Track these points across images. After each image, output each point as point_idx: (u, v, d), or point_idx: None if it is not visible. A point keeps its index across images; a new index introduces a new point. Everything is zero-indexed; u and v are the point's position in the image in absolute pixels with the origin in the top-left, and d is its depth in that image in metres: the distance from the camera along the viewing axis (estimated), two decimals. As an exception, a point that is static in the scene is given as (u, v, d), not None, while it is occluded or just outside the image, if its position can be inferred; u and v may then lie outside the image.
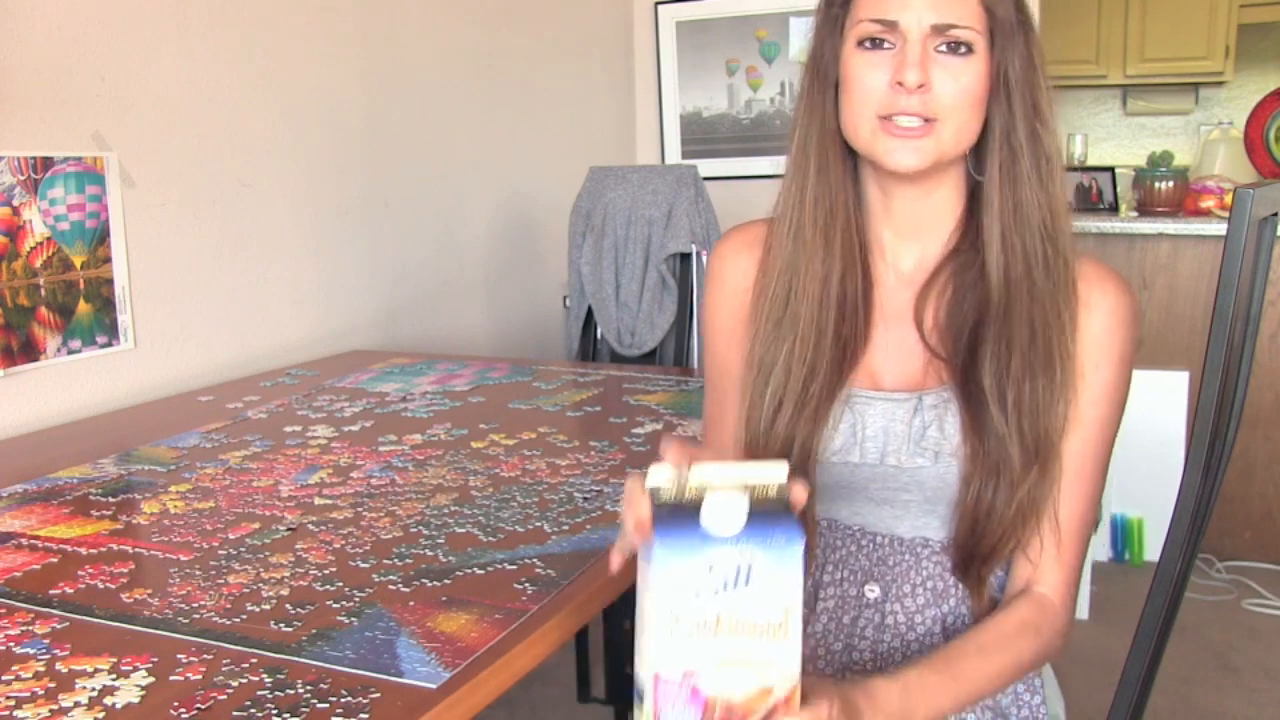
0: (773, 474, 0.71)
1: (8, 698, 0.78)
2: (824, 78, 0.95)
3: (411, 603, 0.93)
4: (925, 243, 0.98)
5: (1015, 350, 0.91)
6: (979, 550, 0.93)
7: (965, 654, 0.89)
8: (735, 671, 0.69)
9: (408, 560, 1.03)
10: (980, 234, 0.94)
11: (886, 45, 0.89)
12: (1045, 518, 0.93)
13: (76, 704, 0.77)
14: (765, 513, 0.69)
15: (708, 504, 0.68)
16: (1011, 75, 0.90)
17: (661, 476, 0.71)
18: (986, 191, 0.93)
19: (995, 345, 0.91)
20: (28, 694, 0.79)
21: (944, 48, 0.88)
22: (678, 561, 0.67)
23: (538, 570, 1.00)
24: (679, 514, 0.69)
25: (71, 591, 0.98)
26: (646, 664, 0.69)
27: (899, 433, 0.95)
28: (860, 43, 0.90)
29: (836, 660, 0.99)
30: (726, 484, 0.70)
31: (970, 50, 0.88)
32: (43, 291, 1.64)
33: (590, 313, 2.56)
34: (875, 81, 0.89)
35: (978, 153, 0.93)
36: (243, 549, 1.07)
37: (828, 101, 0.95)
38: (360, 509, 1.18)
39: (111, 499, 1.25)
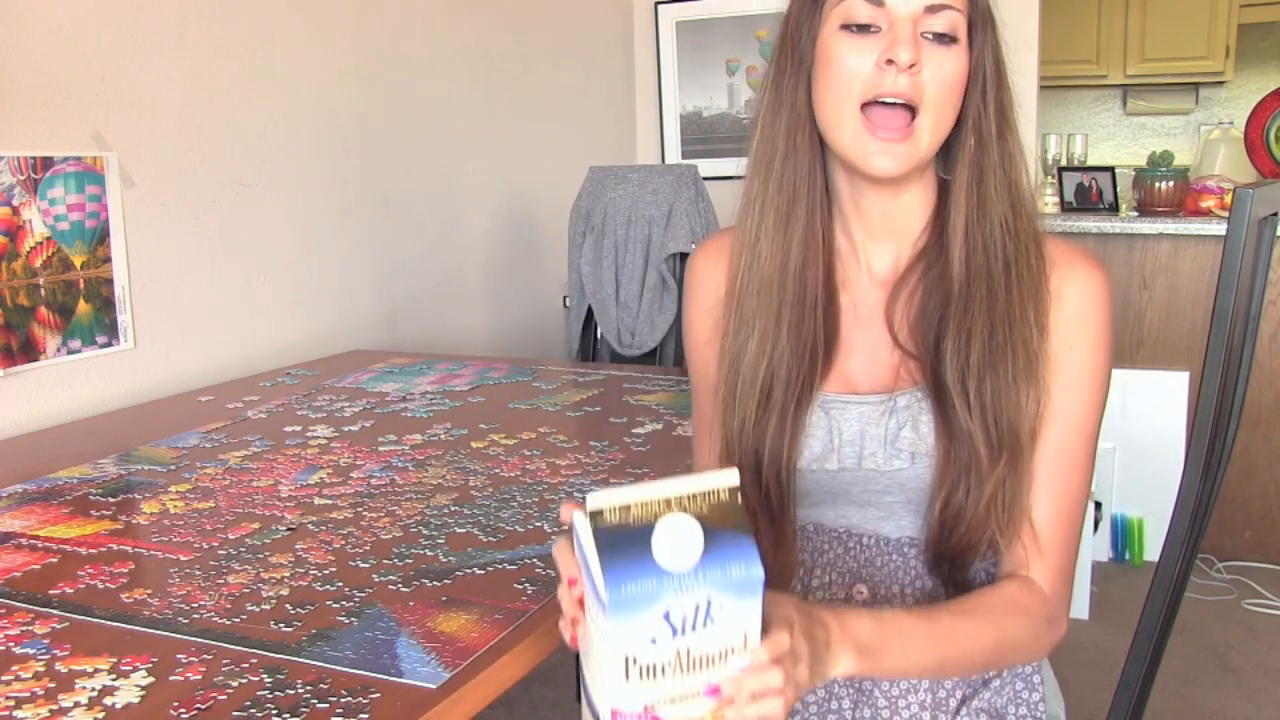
0: (723, 480, 0.65)
1: (8, 698, 0.78)
2: (798, 62, 0.92)
3: (411, 603, 0.93)
4: (898, 243, 0.98)
5: (975, 342, 0.90)
6: (949, 549, 0.93)
7: (947, 610, 0.88)
8: (696, 700, 0.65)
9: (408, 560, 1.03)
10: (946, 229, 0.93)
11: (874, 29, 0.87)
12: (1022, 516, 0.92)
13: (76, 704, 0.77)
14: (720, 532, 0.63)
15: (659, 533, 0.62)
16: (986, 68, 0.90)
17: (603, 499, 0.62)
18: (954, 185, 0.93)
19: (956, 339, 0.91)
20: (27, 694, 0.79)
21: (931, 35, 0.87)
22: (633, 610, 0.61)
23: (538, 570, 1.00)
24: (627, 544, 0.61)
25: (71, 591, 0.98)
26: (602, 698, 0.65)
27: (875, 435, 0.94)
28: (845, 25, 0.88)
29: None
30: (673, 495, 0.63)
31: (955, 39, 0.88)
32: (42, 291, 1.64)
33: (590, 313, 2.56)
34: (860, 65, 0.87)
35: (946, 149, 0.93)
36: (243, 549, 1.07)
37: (800, 87, 0.93)
38: (360, 509, 1.18)
39: (111, 499, 1.25)
